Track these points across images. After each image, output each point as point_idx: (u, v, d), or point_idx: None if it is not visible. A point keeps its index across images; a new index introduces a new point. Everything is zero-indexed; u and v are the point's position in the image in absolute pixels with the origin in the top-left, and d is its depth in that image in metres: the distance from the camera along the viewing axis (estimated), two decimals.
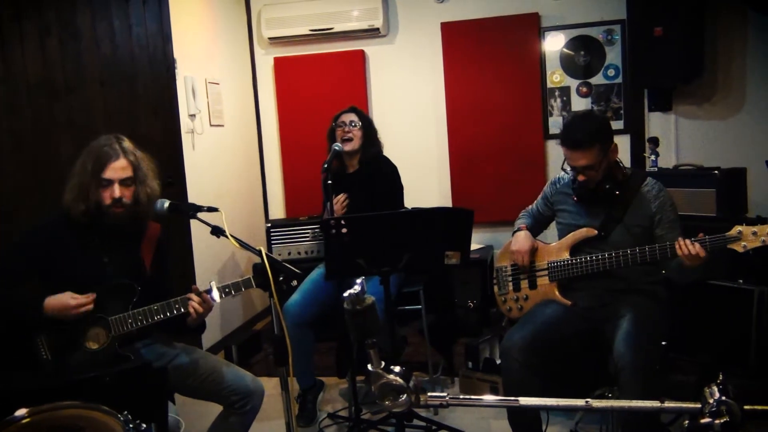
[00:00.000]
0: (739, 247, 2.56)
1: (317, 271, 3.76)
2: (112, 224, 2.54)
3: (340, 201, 3.67)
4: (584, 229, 2.93)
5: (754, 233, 2.53)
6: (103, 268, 2.56)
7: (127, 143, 2.59)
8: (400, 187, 3.84)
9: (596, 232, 2.89)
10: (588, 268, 2.86)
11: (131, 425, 1.69)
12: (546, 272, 3.01)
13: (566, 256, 2.95)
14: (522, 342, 2.77)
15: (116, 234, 2.59)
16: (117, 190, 2.51)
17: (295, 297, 3.60)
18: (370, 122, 3.86)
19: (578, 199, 2.94)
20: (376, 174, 3.78)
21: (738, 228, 2.56)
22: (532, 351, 2.75)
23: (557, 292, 2.96)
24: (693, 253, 2.57)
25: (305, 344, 3.65)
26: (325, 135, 3.86)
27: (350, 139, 3.69)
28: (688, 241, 2.59)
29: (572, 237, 2.95)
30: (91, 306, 2.41)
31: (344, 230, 2.91)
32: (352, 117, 3.74)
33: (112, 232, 2.57)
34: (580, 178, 2.84)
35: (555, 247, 3.02)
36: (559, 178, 3.12)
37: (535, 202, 3.23)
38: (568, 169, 2.90)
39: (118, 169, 2.52)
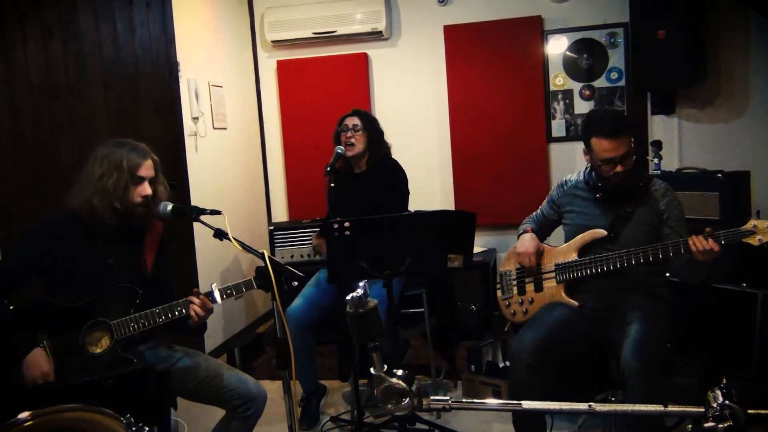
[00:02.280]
0: (754, 241, 2.54)
1: (319, 275, 3.76)
2: (131, 222, 2.56)
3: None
4: (593, 230, 2.91)
5: None
6: (108, 269, 2.56)
7: (150, 150, 2.65)
8: (406, 192, 3.82)
9: (605, 232, 2.88)
10: (597, 267, 2.84)
11: (134, 428, 1.69)
12: (553, 274, 3.00)
13: (575, 257, 2.93)
14: (532, 344, 2.76)
15: (120, 235, 2.59)
16: (148, 188, 2.56)
17: (297, 302, 3.59)
18: (374, 124, 3.80)
19: (603, 196, 2.90)
20: (383, 176, 3.76)
21: (753, 222, 2.55)
22: (542, 353, 2.74)
23: (564, 294, 2.95)
24: (707, 248, 2.57)
25: (308, 348, 3.65)
26: (329, 137, 3.81)
27: (352, 144, 3.67)
28: (701, 237, 2.59)
29: (581, 238, 2.94)
30: (46, 379, 2.38)
31: (347, 233, 2.91)
32: (355, 121, 3.70)
33: (116, 232, 2.58)
34: (619, 168, 2.77)
35: (563, 249, 3.01)
36: (566, 180, 3.11)
37: (540, 207, 3.22)
38: (600, 165, 2.81)
39: (149, 167, 2.58)
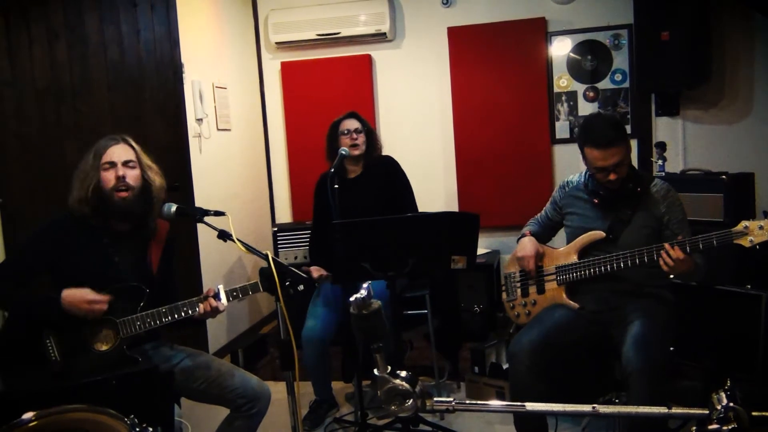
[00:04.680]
0: (745, 242, 2.53)
1: (322, 288, 3.71)
2: (119, 212, 2.55)
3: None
4: (592, 232, 2.91)
5: (761, 227, 2.50)
6: (114, 267, 2.58)
7: (128, 137, 2.65)
8: (410, 186, 3.85)
9: (603, 234, 2.88)
10: (596, 269, 2.85)
11: (137, 429, 1.69)
12: (554, 276, 3.00)
13: (575, 259, 2.94)
14: (530, 346, 2.77)
15: (125, 233, 2.61)
16: (120, 169, 2.54)
17: (310, 323, 3.56)
18: (370, 127, 3.83)
19: (600, 201, 2.91)
20: (382, 176, 3.76)
21: (744, 223, 2.54)
22: (540, 354, 2.75)
23: (565, 296, 2.96)
24: (673, 257, 2.58)
25: (325, 362, 3.67)
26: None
27: (357, 145, 3.67)
28: (667, 245, 2.61)
29: (580, 240, 2.94)
30: (105, 306, 2.43)
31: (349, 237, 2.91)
32: (356, 124, 3.70)
33: (121, 230, 2.59)
34: (612, 177, 2.77)
35: (563, 251, 3.01)
36: (568, 182, 3.11)
37: (544, 208, 3.22)
38: (594, 172, 2.83)
39: (119, 150, 2.57)
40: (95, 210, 2.52)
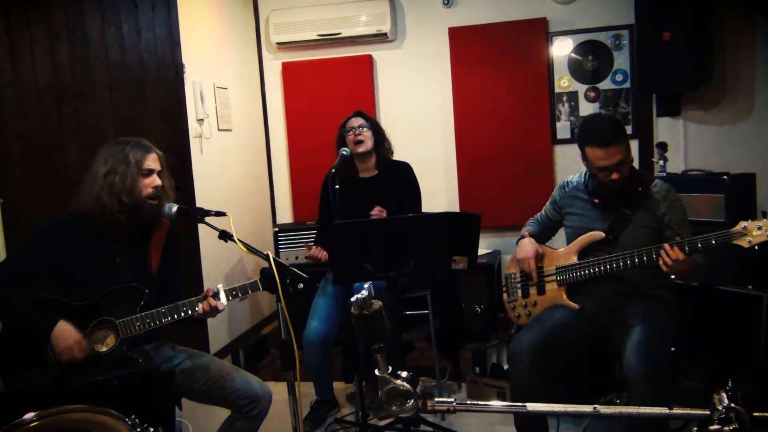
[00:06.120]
0: (744, 243, 2.53)
1: (324, 287, 3.73)
2: (145, 218, 2.57)
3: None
4: (592, 233, 2.91)
5: (759, 228, 2.50)
6: (115, 268, 2.58)
7: (147, 141, 2.67)
8: (420, 195, 3.84)
9: (603, 235, 2.88)
10: (596, 270, 2.84)
11: (138, 429, 1.70)
12: (554, 277, 3.00)
13: (575, 260, 2.94)
14: (530, 346, 2.77)
15: (126, 234, 2.60)
16: (158, 179, 2.58)
17: (313, 324, 3.56)
18: (377, 123, 3.83)
19: (600, 201, 2.91)
20: (399, 180, 3.76)
21: (743, 223, 2.54)
22: (541, 355, 2.75)
23: (565, 297, 2.96)
24: (673, 257, 2.58)
25: (327, 363, 3.67)
26: (333, 140, 3.80)
27: (362, 141, 3.67)
28: (667, 246, 2.61)
29: (580, 241, 2.94)
30: (81, 358, 2.43)
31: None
32: (360, 121, 3.71)
33: (123, 231, 2.59)
34: (614, 176, 2.77)
35: (563, 251, 3.01)
36: (567, 182, 3.11)
37: (544, 208, 3.22)
38: (595, 172, 2.82)
39: (154, 160, 2.61)
40: (127, 207, 2.52)
